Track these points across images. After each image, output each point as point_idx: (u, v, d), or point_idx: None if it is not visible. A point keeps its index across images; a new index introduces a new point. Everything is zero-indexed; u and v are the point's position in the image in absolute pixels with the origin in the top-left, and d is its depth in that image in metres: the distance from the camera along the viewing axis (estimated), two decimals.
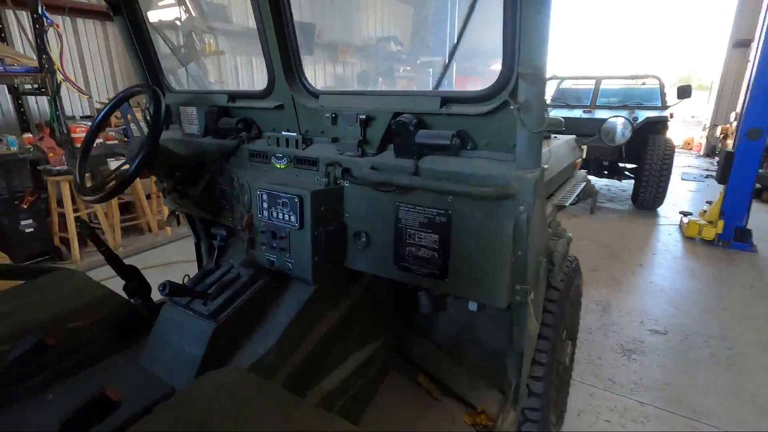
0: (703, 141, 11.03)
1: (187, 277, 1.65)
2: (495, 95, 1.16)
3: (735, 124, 7.81)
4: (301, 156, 1.53)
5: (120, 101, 1.58)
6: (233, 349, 1.33)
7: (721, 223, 4.53)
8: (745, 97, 4.24)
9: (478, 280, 1.25)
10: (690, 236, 4.79)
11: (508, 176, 1.13)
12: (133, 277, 1.69)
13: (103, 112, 1.61)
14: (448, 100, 1.25)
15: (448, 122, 1.27)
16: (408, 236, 1.34)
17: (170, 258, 4.41)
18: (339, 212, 1.46)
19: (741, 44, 9.63)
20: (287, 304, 1.46)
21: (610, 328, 3.04)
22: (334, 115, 1.43)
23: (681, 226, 5.17)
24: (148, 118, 1.84)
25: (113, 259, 1.69)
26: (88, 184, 1.59)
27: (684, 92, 5.61)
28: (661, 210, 5.99)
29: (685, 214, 5.26)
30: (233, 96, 1.75)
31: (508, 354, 1.48)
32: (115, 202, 4.61)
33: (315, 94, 1.53)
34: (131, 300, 1.62)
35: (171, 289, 1.19)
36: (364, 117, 1.36)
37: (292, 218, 1.39)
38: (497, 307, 1.26)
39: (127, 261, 1.70)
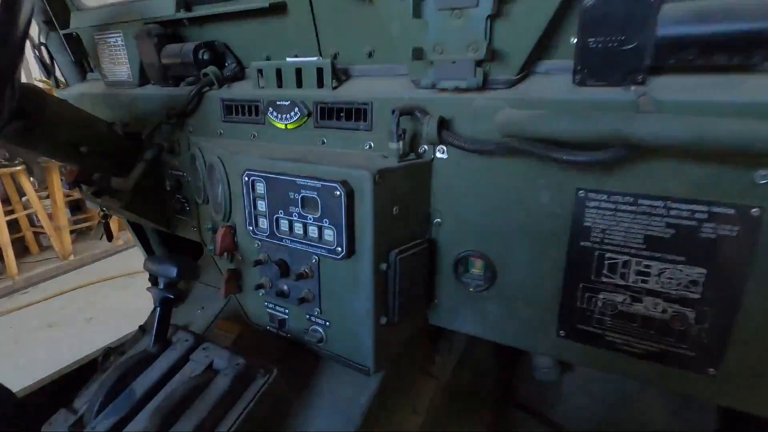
0: None
1: (108, 351, 0.87)
2: None
3: None
4: (331, 102, 0.75)
5: None
6: None
7: None
8: None
9: None
10: None
11: None
12: None
13: None
14: None
15: None
16: (607, 269, 0.59)
17: (132, 267, 3.59)
18: (425, 216, 0.70)
19: None
20: (319, 424, 0.69)
21: None
22: None
23: None
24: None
25: None
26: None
27: None
28: None
29: None
30: (188, 0, 0.95)
31: None
32: (61, 199, 3.74)
33: None
34: None
35: None
36: None
37: (327, 234, 0.63)
38: None
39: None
